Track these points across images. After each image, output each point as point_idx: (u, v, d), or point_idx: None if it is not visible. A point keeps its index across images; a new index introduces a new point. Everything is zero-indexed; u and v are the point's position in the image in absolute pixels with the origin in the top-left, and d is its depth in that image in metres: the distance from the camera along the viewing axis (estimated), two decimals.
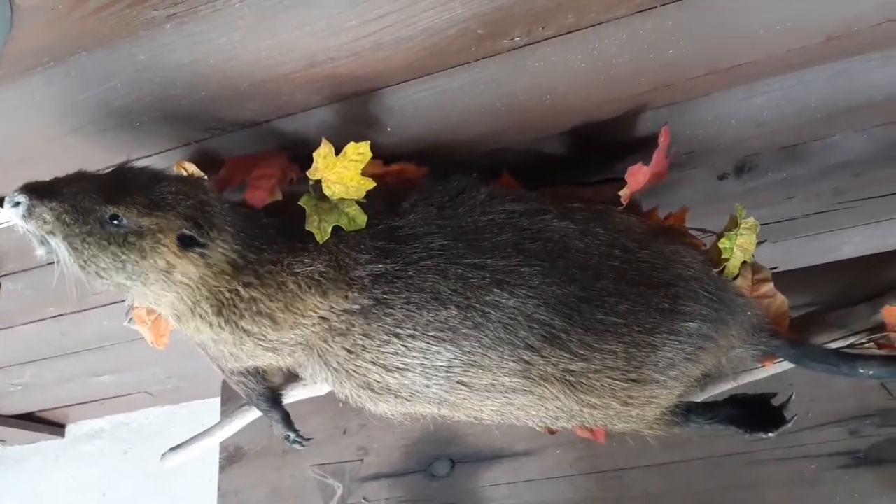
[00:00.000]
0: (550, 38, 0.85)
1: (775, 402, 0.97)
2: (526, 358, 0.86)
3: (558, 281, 0.86)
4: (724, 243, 0.93)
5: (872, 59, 0.96)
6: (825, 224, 1.31)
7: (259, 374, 0.99)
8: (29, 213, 0.78)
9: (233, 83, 0.87)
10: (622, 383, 0.87)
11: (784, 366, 0.99)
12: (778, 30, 0.86)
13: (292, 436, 1.08)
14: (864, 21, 0.86)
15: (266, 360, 0.91)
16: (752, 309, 0.95)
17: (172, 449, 1.33)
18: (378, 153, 0.95)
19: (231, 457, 1.40)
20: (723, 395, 1.00)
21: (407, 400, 0.91)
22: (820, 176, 1.21)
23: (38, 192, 0.78)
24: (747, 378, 1.01)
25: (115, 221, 0.79)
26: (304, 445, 1.10)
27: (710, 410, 0.99)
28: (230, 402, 1.36)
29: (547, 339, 0.85)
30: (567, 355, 0.85)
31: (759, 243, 0.98)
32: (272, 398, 1.05)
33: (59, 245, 0.79)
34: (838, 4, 0.84)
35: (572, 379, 0.87)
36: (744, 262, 0.98)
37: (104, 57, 0.81)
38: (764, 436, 0.96)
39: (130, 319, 1.11)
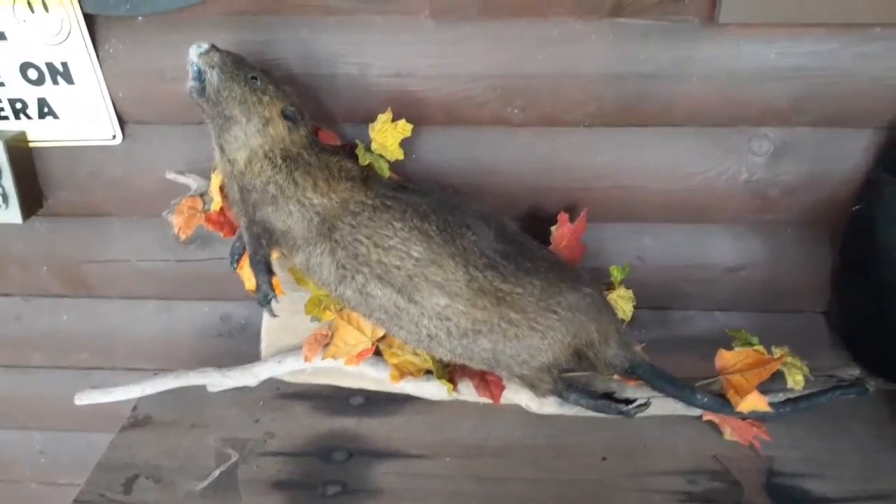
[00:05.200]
0: (534, 124, 1.42)
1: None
2: (472, 273, 1.19)
3: (504, 241, 1.25)
4: (614, 271, 1.35)
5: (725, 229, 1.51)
6: None
7: (273, 238, 1.26)
8: (206, 52, 1.20)
9: (336, 78, 1.39)
10: (534, 306, 1.19)
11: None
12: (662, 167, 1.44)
13: (271, 295, 1.28)
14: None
15: (292, 216, 1.22)
16: (625, 328, 1.31)
17: (93, 387, 1.43)
18: (396, 171, 1.42)
19: (137, 423, 1.43)
20: None
21: (378, 278, 1.20)
22: (674, 346, 1.63)
23: (216, 46, 1.23)
24: None
25: (254, 79, 1.22)
26: (274, 315, 1.29)
27: (588, 392, 1.27)
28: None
29: (490, 266, 1.20)
30: (501, 278, 1.20)
31: None
32: (269, 263, 1.29)
33: (213, 74, 1.20)
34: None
35: (501, 295, 1.19)
36: None
37: (278, 20, 1.35)
38: (625, 408, 1.23)
39: (169, 211, 1.39)
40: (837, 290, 1.49)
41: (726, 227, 1.50)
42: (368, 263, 1.20)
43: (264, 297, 1.31)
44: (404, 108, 1.38)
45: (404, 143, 1.38)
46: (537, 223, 1.47)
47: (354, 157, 1.30)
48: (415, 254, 1.19)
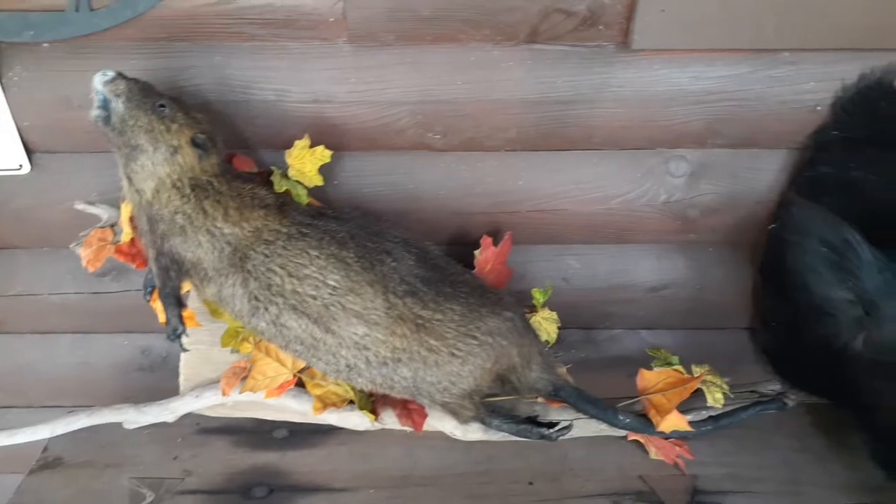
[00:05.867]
0: (456, 149, 1.42)
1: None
2: (392, 300, 1.17)
3: (425, 267, 1.23)
4: (536, 294, 1.35)
5: (647, 249, 1.53)
6: None
7: (182, 270, 1.21)
8: (111, 80, 1.16)
9: (252, 104, 1.36)
10: (454, 332, 1.18)
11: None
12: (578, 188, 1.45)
13: (181, 329, 1.23)
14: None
15: (202, 246, 1.18)
16: (550, 350, 1.30)
17: (2, 429, 1.36)
18: (317, 197, 1.39)
19: (47, 465, 1.35)
20: None
21: (292, 308, 1.17)
22: (602, 365, 1.64)
23: (123, 74, 1.19)
24: None
25: (161, 107, 1.18)
26: (184, 349, 1.24)
27: (511, 417, 1.26)
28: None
29: (409, 292, 1.19)
30: (421, 304, 1.18)
31: None
32: (178, 296, 1.24)
33: (118, 103, 1.16)
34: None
35: (420, 322, 1.17)
36: None
37: (191, 47, 1.31)
38: (547, 432, 1.23)
39: (77, 244, 1.34)
40: (758, 307, 1.52)
41: (649, 247, 1.52)
42: (282, 294, 1.17)
43: (173, 332, 1.26)
44: (324, 134, 1.36)
45: (325, 169, 1.35)
46: (462, 247, 1.46)
47: (270, 185, 1.28)
48: (331, 282, 1.17)
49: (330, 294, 1.16)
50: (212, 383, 1.40)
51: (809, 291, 1.19)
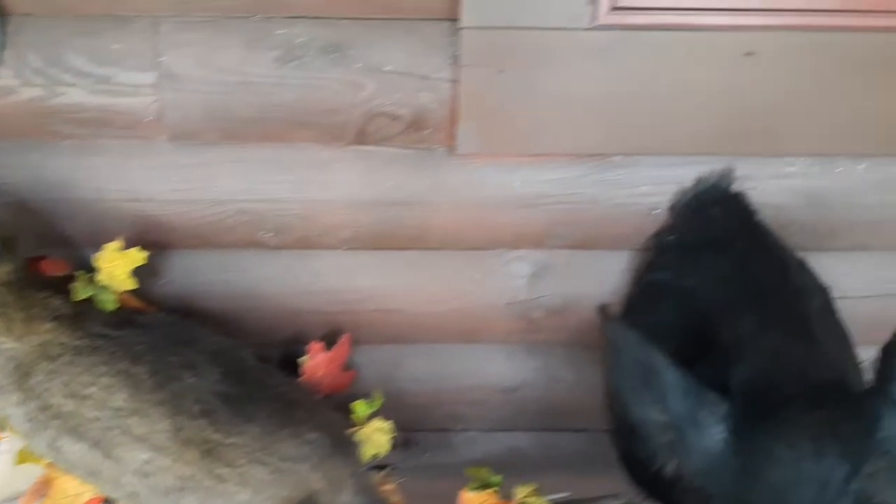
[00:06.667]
0: (291, 247, 1.37)
1: None
2: (181, 422, 1.10)
3: (231, 382, 1.16)
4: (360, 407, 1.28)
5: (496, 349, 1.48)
6: None
7: None
8: None
9: (71, 202, 1.30)
10: (246, 458, 1.11)
11: None
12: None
13: None
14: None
15: None
16: (367, 471, 1.23)
17: None
18: (143, 299, 1.33)
19: None
20: None
21: (70, 431, 1.09)
22: (460, 469, 1.56)
23: None
24: None
25: None
26: None
27: None
28: None
29: (204, 413, 1.12)
30: (213, 427, 1.11)
31: None
32: None
33: None
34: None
35: (209, 446, 1.10)
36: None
37: (5, 144, 1.26)
38: None
39: None
40: (607, 411, 1.46)
41: (497, 347, 1.47)
42: (60, 416, 1.09)
43: None
44: (147, 232, 1.31)
45: (154, 268, 1.30)
46: (303, 350, 1.40)
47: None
48: (116, 403, 1.09)
49: (112, 416, 1.09)
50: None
51: (628, 410, 1.14)
